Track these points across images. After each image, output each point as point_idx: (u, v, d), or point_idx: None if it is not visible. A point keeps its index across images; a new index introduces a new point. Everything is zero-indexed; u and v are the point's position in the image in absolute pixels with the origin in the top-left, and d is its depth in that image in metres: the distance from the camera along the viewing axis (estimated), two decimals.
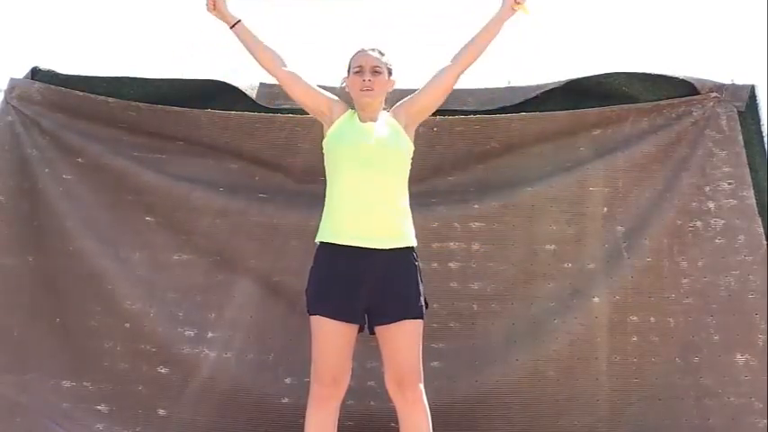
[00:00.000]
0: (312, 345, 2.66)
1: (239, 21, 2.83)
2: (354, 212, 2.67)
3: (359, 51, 2.82)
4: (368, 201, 2.66)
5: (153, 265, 3.62)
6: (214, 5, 2.85)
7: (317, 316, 2.64)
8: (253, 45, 2.84)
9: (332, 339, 2.62)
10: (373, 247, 2.63)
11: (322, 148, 2.85)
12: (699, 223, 3.50)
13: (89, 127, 3.69)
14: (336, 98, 2.87)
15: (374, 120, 2.77)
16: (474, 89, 3.79)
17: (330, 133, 2.79)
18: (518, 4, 2.85)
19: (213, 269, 3.63)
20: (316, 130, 3.56)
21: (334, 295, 2.63)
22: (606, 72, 3.63)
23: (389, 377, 2.68)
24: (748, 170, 3.50)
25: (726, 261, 3.44)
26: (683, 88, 3.61)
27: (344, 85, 2.87)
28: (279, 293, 3.62)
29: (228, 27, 2.86)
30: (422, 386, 2.68)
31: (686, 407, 3.39)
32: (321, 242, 2.72)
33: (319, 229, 2.74)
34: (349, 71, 2.83)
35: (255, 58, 2.87)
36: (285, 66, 2.85)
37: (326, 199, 2.76)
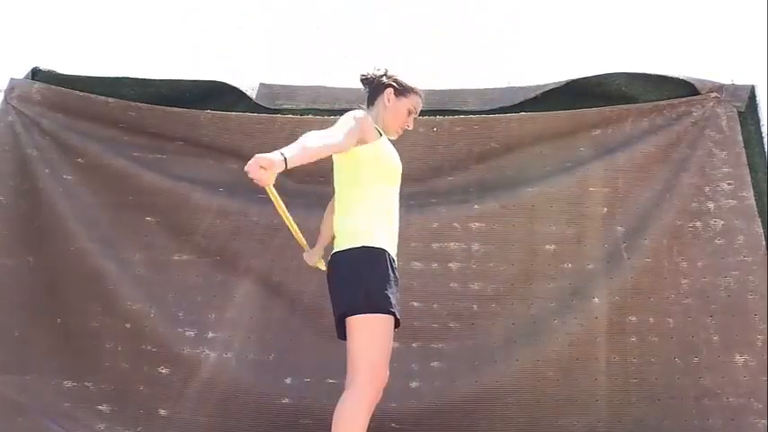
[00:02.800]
0: (371, 347, 2.51)
1: (284, 157, 2.37)
2: (395, 228, 2.72)
3: (420, 93, 2.83)
4: (396, 215, 2.75)
5: (153, 265, 3.62)
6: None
7: (390, 316, 2.55)
8: (313, 154, 2.50)
9: (391, 340, 2.58)
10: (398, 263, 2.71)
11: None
12: (698, 224, 3.50)
13: (89, 127, 3.70)
14: (362, 116, 2.69)
15: None
16: (474, 89, 3.81)
17: (381, 146, 2.71)
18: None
19: (213, 269, 3.63)
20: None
21: (394, 294, 2.59)
22: (606, 72, 3.64)
23: None
24: (748, 171, 3.50)
25: (725, 262, 3.44)
26: (683, 88, 3.61)
27: (388, 101, 2.78)
28: (279, 293, 3.62)
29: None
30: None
31: (685, 407, 3.38)
32: (370, 246, 2.59)
33: (363, 236, 2.59)
34: (400, 95, 2.79)
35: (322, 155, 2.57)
36: (340, 138, 2.57)
37: (367, 206, 2.63)
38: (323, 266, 3.03)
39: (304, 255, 3.10)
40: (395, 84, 2.79)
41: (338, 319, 2.59)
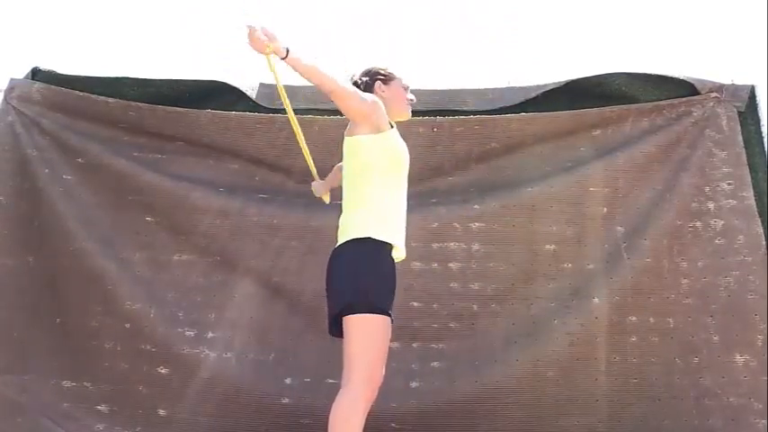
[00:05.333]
0: (367, 347, 2.49)
1: (288, 49, 2.49)
2: (402, 218, 2.70)
3: (395, 71, 2.86)
4: (404, 207, 2.73)
5: (153, 265, 3.62)
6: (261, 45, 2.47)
7: (385, 316, 2.53)
8: (314, 72, 2.54)
9: (388, 341, 2.57)
10: (404, 255, 2.70)
11: (331, 147, 2.77)
12: (698, 224, 3.50)
13: (89, 127, 3.70)
14: (377, 99, 2.70)
15: None
16: (474, 89, 3.81)
17: (392, 137, 2.70)
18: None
19: (213, 269, 3.63)
20: (316, 131, 3.59)
21: (391, 296, 2.59)
22: (606, 72, 3.64)
23: None
24: (748, 170, 3.50)
25: (725, 261, 3.44)
26: (683, 88, 3.61)
27: (383, 92, 2.76)
28: (279, 293, 3.62)
29: (281, 58, 2.52)
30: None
31: (686, 407, 3.38)
32: (377, 240, 2.57)
33: (372, 226, 2.57)
34: (388, 81, 2.81)
35: (316, 83, 2.57)
36: (348, 87, 2.61)
37: (373, 198, 2.62)
38: (327, 200, 3.20)
39: (312, 184, 3.22)
40: (378, 77, 2.81)
41: (334, 317, 2.59)
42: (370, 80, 2.80)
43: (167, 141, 3.74)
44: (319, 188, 3.24)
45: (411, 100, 2.86)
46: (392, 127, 2.72)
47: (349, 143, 2.70)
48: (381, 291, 2.54)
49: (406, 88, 2.86)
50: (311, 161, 3.03)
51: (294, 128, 2.79)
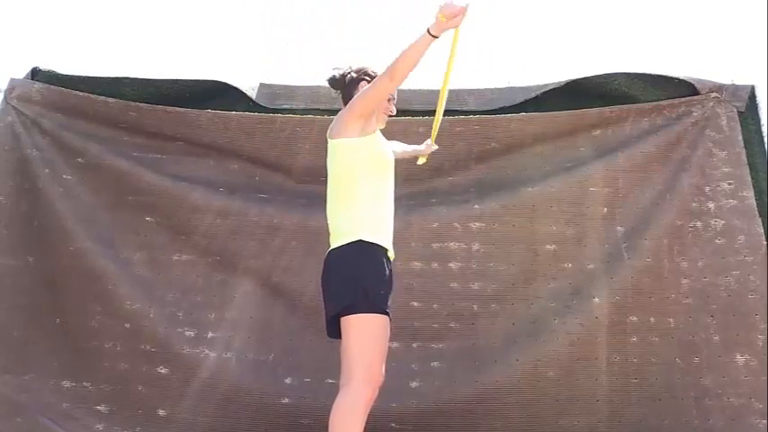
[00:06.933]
0: (367, 347, 2.49)
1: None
2: (390, 219, 2.69)
3: None
4: (392, 209, 2.71)
5: (153, 265, 3.62)
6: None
7: (384, 315, 2.53)
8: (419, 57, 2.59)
9: (387, 340, 2.57)
10: (393, 256, 2.68)
11: (327, 147, 2.75)
12: (699, 224, 3.50)
13: (89, 127, 3.70)
14: None
15: None
16: (474, 89, 3.81)
17: (378, 139, 2.72)
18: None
19: (213, 269, 3.63)
20: (316, 131, 3.59)
21: (390, 295, 2.59)
22: (606, 72, 3.64)
23: None
24: (748, 170, 3.50)
25: (726, 261, 3.44)
26: (684, 88, 3.62)
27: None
28: (279, 293, 3.62)
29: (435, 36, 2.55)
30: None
31: (686, 407, 3.38)
32: (372, 243, 2.58)
33: (361, 229, 2.57)
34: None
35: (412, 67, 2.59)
36: None
37: (361, 201, 2.61)
38: (422, 161, 3.13)
39: (425, 144, 3.15)
40: (366, 77, 2.77)
41: (332, 318, 2.58)
42: (357, 77, 2.76)
43: (167, 141, 3.74)
44: (426, 150, 3.16)
45: (391, 112, 2.80)
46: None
47: (334, 146, 2.67)
48: (380, 290, 2.54)
49: (389, 99, 2.79)
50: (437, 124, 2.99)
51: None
